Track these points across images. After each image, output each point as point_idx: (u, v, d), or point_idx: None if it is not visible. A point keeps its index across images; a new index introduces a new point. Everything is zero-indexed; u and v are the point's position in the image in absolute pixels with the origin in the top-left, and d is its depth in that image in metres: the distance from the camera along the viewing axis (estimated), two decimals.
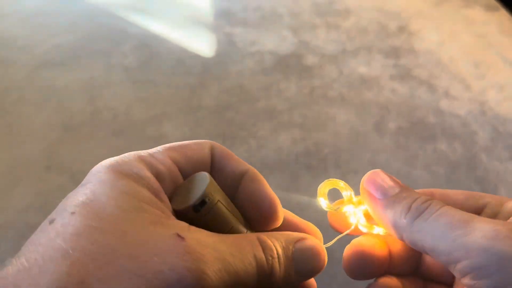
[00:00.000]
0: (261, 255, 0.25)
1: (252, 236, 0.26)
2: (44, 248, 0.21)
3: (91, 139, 1.26)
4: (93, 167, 0.26)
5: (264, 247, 0.26)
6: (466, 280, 0.25)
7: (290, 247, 0.28)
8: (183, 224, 0.24)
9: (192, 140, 0.30)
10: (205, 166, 0.29)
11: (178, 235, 0.22)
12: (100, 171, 0.25)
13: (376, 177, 0.31)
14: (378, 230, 0.33)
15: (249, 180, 0.30)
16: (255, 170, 0.31)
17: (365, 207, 0.32)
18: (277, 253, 0.26)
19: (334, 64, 1.58)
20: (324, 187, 0.34)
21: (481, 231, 0.25)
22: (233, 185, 0.30)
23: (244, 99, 1.42)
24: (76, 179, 1.15)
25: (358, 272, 0.32)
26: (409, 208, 0.28)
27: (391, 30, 1.76)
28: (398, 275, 0.33)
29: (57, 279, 0.20)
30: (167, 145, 0.29)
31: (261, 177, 0.31)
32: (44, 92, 1.44)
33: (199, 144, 0.30)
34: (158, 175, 0.26)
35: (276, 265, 0.26)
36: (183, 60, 1.58)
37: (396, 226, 0.29)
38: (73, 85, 1.46)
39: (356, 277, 0.32)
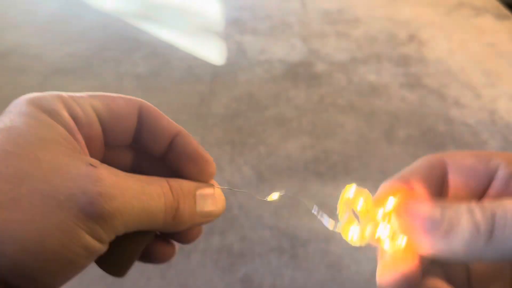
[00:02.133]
0: (168, 192, 0.27)
1: (160, 178, 0.28)
2: None
3: None
4: None
5: (171, 186, 0.28)
6: None
7: (193, 191, 0.29)
8: (95, 160, 0.25)
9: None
10: (128, 121, 0.30)
11: (91, 164, 0.24)
12: (21, 104, 0.26)
13: (413, 206, 0.25)
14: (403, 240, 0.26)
15: (183, 139, 0.31)
16: (186, 132, 0.32)
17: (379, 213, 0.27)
18: (183, 192, 0.28)
19: (344, 72, 1.58)
20: (343, 212, 0.28)
21: None
22: (163, 144, 0.31)
23: (253, 106, 1.43)
24: None
25: None
26: (475, 222, 0.23)
27: (401, 39, 1.76)
28: None
29: None
30: (93, 93, 0.29)
31: (193, 138, 0.32)
32: None
33: (127, 101, 0.30)
34: (74, 117, 0.27)
35: (182, 201, 0.28)
36: (194, 68, 1.60)
37: (471, 251, 0.23)
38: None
39: None
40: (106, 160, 0.29)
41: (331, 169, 1.22)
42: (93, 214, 0.22)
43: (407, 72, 1.58)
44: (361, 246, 0.28)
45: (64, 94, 0.28)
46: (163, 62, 1.63)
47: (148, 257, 0.32)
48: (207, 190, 0.30)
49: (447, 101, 1.46)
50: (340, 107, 1.43)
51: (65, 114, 0.26)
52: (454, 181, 0.28)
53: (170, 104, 1.43)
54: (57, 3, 1.98)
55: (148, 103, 0.31)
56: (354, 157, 1.26)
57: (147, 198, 0.25)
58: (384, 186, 0.27)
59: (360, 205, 0.27)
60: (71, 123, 0.26)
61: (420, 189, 0.27)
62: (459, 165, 0.28)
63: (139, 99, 0.31)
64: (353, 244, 0.28)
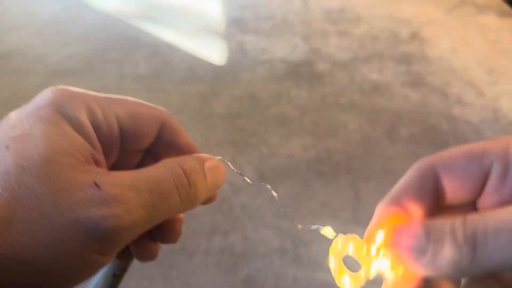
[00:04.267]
0: (182, 180, 0.28)
1: (171, 162, 0.28)
2: None
3: None
4: None
5: (185, 171, 0.28)
6: None
7: (203, 167, 0.30)
8: (102, 170, 0.26)
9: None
10: (147, 134, 0.31)
11: (95, 184, 0.24)
12: (43, 106, 0.27)
13: (398, 238, 0.27)
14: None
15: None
16: (204, 154, 0.33)
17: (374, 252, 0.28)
18: (197, 174, 0.29)
19: (346, 71, 1.58)
20: (335, 255, 0.29)
21: None
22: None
23: (255, 106, 1.43)
24: None
25: None
26: (456, 242, 0.25)
27: (403, 37, 1.75)
28: None
29: None
30: (121, 97, 0.30)
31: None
32: None
33: (152, 112, 0.31)
34: (97, 126, 0.28)
35: (199, 184, 0.29)
36: (195, 68, 1.59)
37: (458, 270, 0.25)
38: None
39: None
40: (118, 160, 0.31)
41: (334, 168, 1.22)
42: (99, 237, 0.24)
43: (409, 71, 1.57)
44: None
45: (91, 97, 0.28)
46: (164, 62, 1.62)
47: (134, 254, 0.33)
48: (213, 162, 0.31)
49: (449, 99, 1.45)
50: (342, 106, 1.42)
51: (87, 123, 0.27)
52: (449, 186, 0.29)
53: (172, 105, 1.43)
54: (58, 5, 1.98)
55: (172, 117, 0.32)
56: (356, 156, 1.26)
57: (157, 198, 0.26)
58: (374, 216, 0.28)
59: (351, 249, 0.28)
60: (91, 133, 0.27)
61: (413, 208, 0.28)
62: (451, 169, 0.28)
63: (164, 110, 0.32)
64: None
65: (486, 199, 0.28)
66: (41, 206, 0.23)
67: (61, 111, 0.26)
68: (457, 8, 1.93)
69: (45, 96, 0.28)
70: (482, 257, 0.24)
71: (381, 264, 0.27)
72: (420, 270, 0.26)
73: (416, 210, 0.28)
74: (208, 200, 0.33)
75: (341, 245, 0.28)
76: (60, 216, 0.23)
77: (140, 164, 0.32)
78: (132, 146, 0.31)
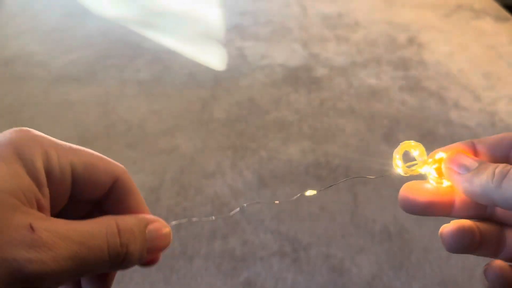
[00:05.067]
0: (115, 239, 0.28)
1: (108, 219, 0.28)
2: None
3: (106, 151, 1.29)
4: None
5: (120, 230, 0.28)
6: None
7: (145, 229, 0.30)
8: (41, 215, 0.26)
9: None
10: (99, 188, 0.31)
11: (31, 227, 0.25)
12: (2, 144, 0.27)
13: (456, 157, 0.34)
14: (447, 183, 0.36)
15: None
16: (149, 216, 0.33)
17: (435, 166, 0.36)
18: (134, 235, 0.29)
19: (344, 76, 1.59)
20: (401, 150, 0.37)
21: None
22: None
23: (254, 111, 1.44)
24: None
25: (460, 249, 0.35)
26: (494, 173, 0.31)
27: (400, 42, 1.77)
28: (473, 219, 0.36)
29: None
30: (79, 148, 0.31)
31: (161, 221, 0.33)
32: (60, 107, 1.47)
33: (108, 166, 0.32)
34: (49, 172, 0.28)
35: (132, 245, 0.29)
36: (195, 73, 1.61)
37: (485, 193, 0.31)
38: (88, 99, 1.50)
39: (456, 251, 0.36)
40: (66, 208, 0.31)
41: (332, 173, 1.23)
42: (21, 279, 0.24)
43: (407, 75, 1.59)
44: (405, 174, 0.37)
45: (51, 143, 0.29)
46: (165, 68, 1.64)
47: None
48: (157, 225, 0.31)
49: (447, 103, 1.47)
50: (340, 111, 1.44)
51: (40, 167, 0.28)
52: None
53: (172, 110, 1.45)
54: (60, 11, 2.00)
55: (128, 176, 0.33)
56: (354, 160, 1.27)
57: (86, 252, 0.26)
58: (448, 146, 0.36)
59: (416, 152, 0.37)
60: (42, 177, 0.28)
61: (482, 155, 0.35)
62: (490, 148, 0.35)
63: (122, 167, 0.32)
64: (398, 171, 0.37)
65: None
66: None
67: (17, 152, 0.27)
68: (454, 13, 1.95)
69: (6, 135, 0.28)
70: (505, 188, 0.30)
71: (431, 170, 0.36)
72: (458, 184, 0.33)
73: (483, 157, 0.35)
74: (146, 262, 0.32)
75: (412, 144, 0.37)
76: None
77: (88, 215, 0.32)
78: (82, 196, 0.31)
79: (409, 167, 0.37)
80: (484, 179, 0.32)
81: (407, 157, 0.37)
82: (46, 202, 0.28)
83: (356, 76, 1.59)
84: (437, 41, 1.77)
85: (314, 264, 1.01)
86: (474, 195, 0.33)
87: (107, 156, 0.32)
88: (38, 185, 0.27)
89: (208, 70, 1.63)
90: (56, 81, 1.58)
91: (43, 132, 0.30)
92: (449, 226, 0.35)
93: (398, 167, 0.37)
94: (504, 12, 1.93)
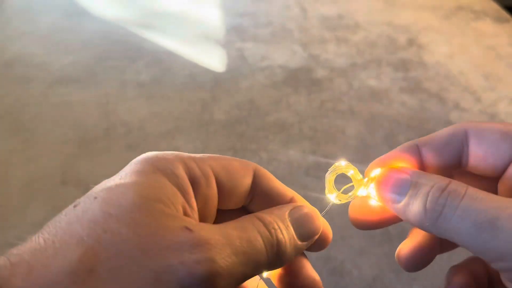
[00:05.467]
0: (263, 229, 0.26)
1: (251, 216, 0.27)
2: (63, 232, 0.22)
3: (106, 153, 1.29)
4: None
5: (264, 223, 0.27)
6: (507, 275, 0.26)
7: (286, 217, 0.29)
8: (192, 220, 0.25)
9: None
10: (243, 185, 0.30)
11: (187, 228, 0.23)
12: (137, 162, 0.27)
13: (386, 179, 0.31)
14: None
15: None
16: (300, 197, 0.32)
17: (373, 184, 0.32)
18: (277, 224, 0.28)
19: (344, 78, 1.59)
20: (332, 177, 0.34)
21: (508, 235, 0.24)
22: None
23: (254, 113, 1.44)
24: None
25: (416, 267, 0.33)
26: (425, 208, 0.27)
27: (400, 43, 1.77)
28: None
29: (68, 264, 0.21)
30: (212, 155, 0.29)
31: (306, 204, 0.32)
32: (60, 108, 1.47)
33: (243, 164, 0.30)
34: (193, 179, 0.27)
35: (280, 234, 0.27)
36: (195, 75, 1.61)
37: (421, 226, 0.28)
38: (88, 101, 1.50)
39: (415, 271, 0.33)
40: (216, 223, 0.29)
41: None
42: (193, 284, 0.22)
43: (407, 77, 1.59)
44: (340, 202, 0.34)
45: (185, 154, 0.28)
46: (165, 69, 1.64)
47: None
48: (298, 209, 0.30)
49: (447, 105, 1.47)
50: (340, 113, 1.44)
51: (182, 174, 0.26)
52: (475, 153, 0.30)
53: (172, 111, 1.45)
54: (59, 13, 2.00)
55: (262, 168, 0.31)
56: (355, 162, 1.27)
57: (246, 245, 0.25)
58: (386, 155, 0.33)
59: (350, 172, 0.33)
60: (186, 184, 0.26)
61: (429, 159, 0.31)
62: (482, 138, 0.30)
63: (253, 163, 0.31)
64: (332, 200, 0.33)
65: (506, 182, 0.30)
66: (127, 252, 0.21)
67: (155, 165, 0.26)
68: (454, 14, 1.95)
69: (140, 156, 0.27)
70: (442, 227, 0.26)
71: (368, 191, 0.32)
72: (392, 210, 0.30)
73: (430, 162, 0.31)
74: (315, 248, 0.31)
75: (344, 165, 0.33)
76: (149, 261, 0.21)
77: None
78: (229, 202, 0.30)
79: (345, 191, 0.34)
80: (417, 213, 0.28)
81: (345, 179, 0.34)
82: (193, 213, 0.26)
83: (356, 78, 1.59)
84: (437, 42, 1.77)
85: (314, 266, 1.01)
86: (412, 224, 0.29)
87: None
88: (184, 194, 0.26)
89: (208, 71, 1.63)
90: (56, 83, 1.58)
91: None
92: (406, 249, 0.32)
93: (332, 193, 0.33)
94: (504, 13, 1.93)
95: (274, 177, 0.32)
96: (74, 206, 0.24)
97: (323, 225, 0.31)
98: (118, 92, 1.54)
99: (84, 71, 1.64)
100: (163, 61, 1.68)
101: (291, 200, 0.32)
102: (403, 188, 0.29)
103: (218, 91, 1.53)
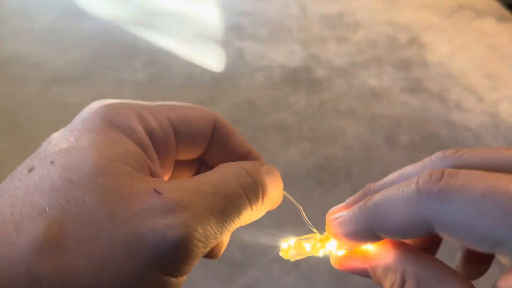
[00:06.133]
0: (247, 179, 0.25)
1: (232, 164, 0.26)
2: (21, 202, 0.20)
3: None
4: None
5: (248, 170, 0.26)
6: None
7: (261, 168, 0.28)
8: (160, 179, 0.23)
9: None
10: (202, 137, 0.29)
11: (156, 190, 0.21)
12: (88, 117, 0.24)
13: (330, 220, 0.28)
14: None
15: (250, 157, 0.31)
16: (257, 153, 0.31)
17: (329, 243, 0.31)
18: (260, 173, 0.27)
19: (344, 77, 1.57)
20: (286, 251, 0.32)
21: None
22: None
23: (253, 113, 1.42)
24: None
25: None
26: (418, 188, 0.22)
27: (401, 42, 1.75)
28: None
29: (33, 239, 0.19)
30: (170, 103, 0.28)
31: (261, 158, 0.31)
32: (56, 109, 1.45)
33: (203, 114, 0.29)
34: (151, 133, 0.25)
35: (264, 184, 0.27)
36: (193, 75, 1.59)
37: (410, 218, 0.22)
38: (84, 101, 1.47)
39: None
40: (173, 175, 0.29)
41: (333, 175, 1.21)
42: (167, 251, 0.20)
43: (408, 76, 1.57)
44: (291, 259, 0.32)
45: (141, 105, 0.26)
46: (162, 69, 1.62)
47: None
48: (268, 167, 0.29)
49: (448, 105, 1.45)
50: (341, 113, 1.42)
51: (140, 130, 0.24)
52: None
53: None
54: (55, 12, 1.98)
55: (223, 118, 0.30)
56: (355, 163, 1.25)
57: (224, 202, 0.23)
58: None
59: (308, 245, 0.32)
60: (146, 139, 0.24)
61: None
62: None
63: (215, 112, 0.29)
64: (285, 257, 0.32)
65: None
66: (95, 222, 0.20)
67: (109, 120, 0.24)
68: (455, 13, 1.93)
69: (89, 108, 0.25)
70: (442, 201, 0.21)
71: (332, 247, 0.30)
72: (341, 236, 0.27)
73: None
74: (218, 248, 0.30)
75: (291, 246, 0.32)
76: (119, 231, 0.20)
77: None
78: (187, 153, 0.28)
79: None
80: (408, 195, 0.22)
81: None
82: (156, 168, 0.24)
83: (357, 77, 1.57)
84: (438, 42, 1.75)
85: (315, 269, 0.99)
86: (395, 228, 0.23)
87: None
88: (144, 149, 0.24)
89: (206, 71, 1.61)
90: (52, 83, 1.56)
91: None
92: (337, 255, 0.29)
93: (288, 255, 0.32)
94: (506, 12, 1.91)
95: (233, 128, 0.30)
96: (29, 171, 0.22)
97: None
98: (114, 92, 1.52)
99: (80, 70, 1.62)
100: (160, 61, 1.66)
101: (249, 154, 0.31)
102: (339, 206, 0.29)
103: (216, 91, 1.51)
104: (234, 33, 1.82)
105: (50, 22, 1.90)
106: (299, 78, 1.57)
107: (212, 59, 1.67)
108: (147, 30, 1.83)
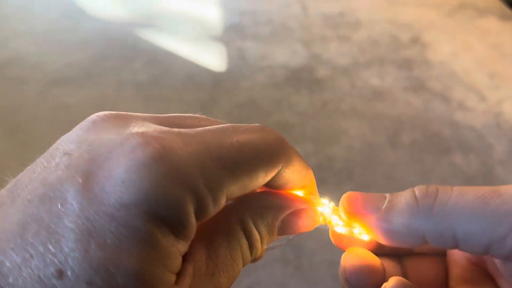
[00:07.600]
0: (246, 249, 0.22)
1: (234, 219, 0.22)
2: None
3: None
4: None
5: (248, 236, 0.22)
6: None
7: (276, 224, 0.24)
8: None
9: None
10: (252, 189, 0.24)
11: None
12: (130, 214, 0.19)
13: (356, 196, 0.25)
14: (358, 230, 0.27)
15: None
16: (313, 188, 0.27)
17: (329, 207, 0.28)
18: (260, 238, 0.23)
19: (346, 77, 1.56)
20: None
21: None
22: None
23: (255, 113, 1.41)
24: None
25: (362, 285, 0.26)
26: (416, 199, 0.23)
27: (403, 41, 1.74)
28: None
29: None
30: (238, 161, 0.21)
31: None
32: (56, 110, 1.44)
33: (267, 165, 0.23)
34: (199, 216, 0.20)
35: (258, 250, 0.23)
36: (194, 75, 1.58)
37: (411, 228, 0.23)
38: (85, 102, 1.47)
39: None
40: None
41: (335, 175, 1.20)
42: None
43: (410, 76, 1.56)
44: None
45: (195, 169, 0.19)
46: (163, 70, 1.61)
47: None
48: (297, 220, 0.26)
49: (451, 104, 1.44)
50: (343, 113, 1.41)
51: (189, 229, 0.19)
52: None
53: (171, 112, 1.41)
54: (56, 13, 1.97)
55: (295, 160, 0.25)
56: (358, 163, 1.24)
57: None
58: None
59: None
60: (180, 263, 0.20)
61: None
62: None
63: (287, 151, 0.24)
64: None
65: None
66: None
67: (148, 210, 0.18)
68: (457, 11, 1.92)
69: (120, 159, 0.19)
70: (439, 212, 0.22)
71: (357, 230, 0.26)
72: (373, 228, 0.24)
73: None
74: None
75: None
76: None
77: None
78: None
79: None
80: (406, 209, 0.22)
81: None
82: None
83: (359, 77, 1.56)
84: (440, 41, 1.74)
85: (317, 271, 0.98)
86: (392, 238, 0.24)
87: None
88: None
89: (208, 71, 1.60)
90: (53, 84, 1.55)
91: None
92: (352, 260, 0.26)
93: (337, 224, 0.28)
94: (508, 11, 1.90)
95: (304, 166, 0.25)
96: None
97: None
98: (115, 93, 1.51)
99: (81, 71, 1.62)
100: (161, 61, 1.65)
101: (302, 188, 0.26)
102: (379, 199, 0.25)
103: (217, 92, 1.51)
104: (236, 33, 1.81)
105: (50, 23, 1.90)
106: (301, 78, 1.56)
107: (214, 59, 1.66)
108: (148, 30, 1.83)
